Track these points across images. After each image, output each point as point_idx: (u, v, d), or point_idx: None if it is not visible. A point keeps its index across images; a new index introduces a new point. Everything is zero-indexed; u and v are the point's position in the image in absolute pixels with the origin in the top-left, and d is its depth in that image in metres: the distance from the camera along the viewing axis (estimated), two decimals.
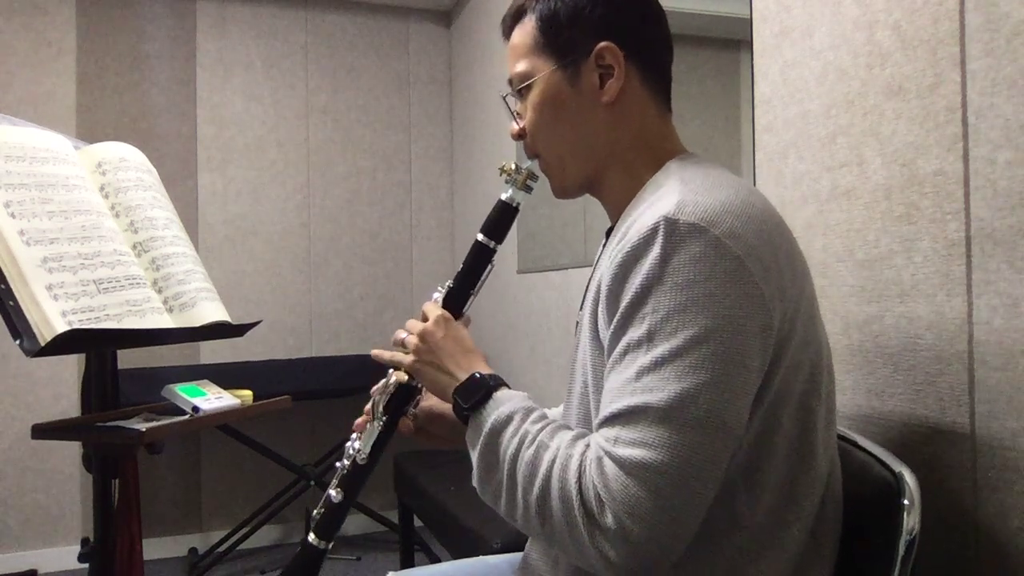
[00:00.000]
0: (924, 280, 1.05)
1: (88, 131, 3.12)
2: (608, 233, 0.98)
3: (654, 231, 0.76)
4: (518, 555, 1.05)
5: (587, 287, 0.94)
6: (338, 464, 1.07)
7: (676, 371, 0.72)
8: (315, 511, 1.06)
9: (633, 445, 0.72)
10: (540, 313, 2.72)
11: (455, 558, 1.82)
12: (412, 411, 1.09)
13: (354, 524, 3.44)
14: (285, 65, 3.48)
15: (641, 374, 0.74)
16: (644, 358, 0.74)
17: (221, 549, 3.13)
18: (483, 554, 1.48)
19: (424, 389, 1.05)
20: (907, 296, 1.08)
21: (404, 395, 1.04)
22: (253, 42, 3.44)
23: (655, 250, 0.75)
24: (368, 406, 1.06)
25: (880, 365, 1.13)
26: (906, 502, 0.86)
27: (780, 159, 1.36)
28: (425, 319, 0.99)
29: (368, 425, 1.05)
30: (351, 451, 1.05)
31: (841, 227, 1.21)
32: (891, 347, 1.11)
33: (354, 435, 1.07)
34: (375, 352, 1.05)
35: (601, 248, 1.01)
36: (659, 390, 0.72)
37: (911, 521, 0.85)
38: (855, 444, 1.01)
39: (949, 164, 1.01)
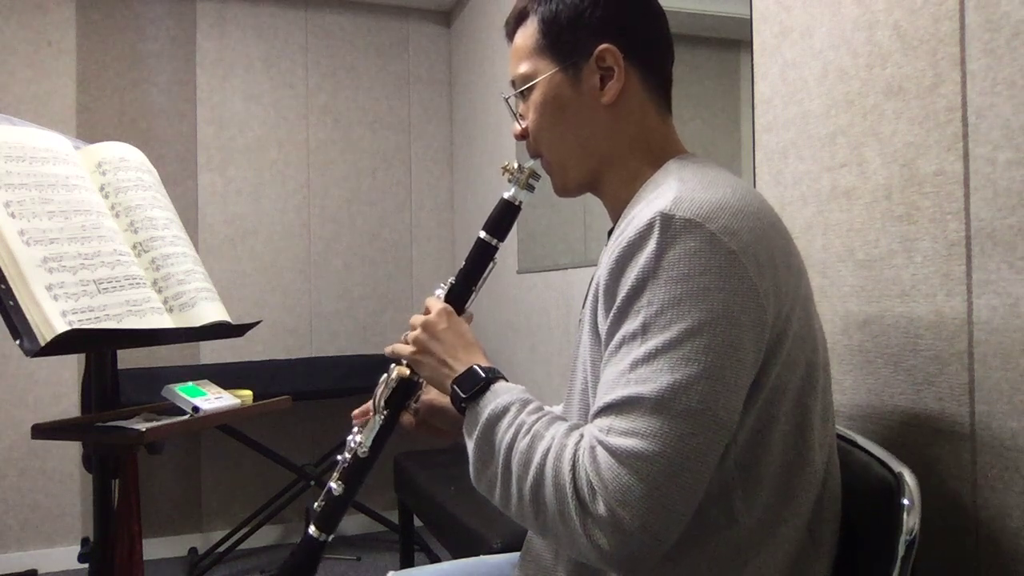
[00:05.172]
0: (924, 280, 1.05)
1: (88, 131, 3.12)
2: (610, 234, 0.99)
3: (650, 226, 0.77)
4: (518, 554, 1.05)
5: (588, 286, 0.94)
6: (339, 457, 1.08)
7: (669, 363, 0.73)
8: (316, 504, 1.08)
9: (626, 435, 0.73)
10: (540, 313, 2.72)
11: (455, 558, 1.82)
12: (413, 405, 1.10)
13: (354, 524, 3.44)
14: (285, 65, 3.48)
15: (635, 366, 0.74)
16: (638, 350, 0.75)
17: (221, 549, 3.13)
18: (483, 554, 1.49)
19: (425, 383, 1.06)
20: (907, 296, 1.08)
21: (405, 389, 1.06)
22: (253, 42, 3.43)
23: (651, 245, 0.76)
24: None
25: (880, 365, 1.14)
26: (906, 502, 0.86)
27: (780, 159, 1.36)
28: (428, 312, 1.00)
29: (370, 419, 1.06)
30: (352, 444, 1.06)
31: (841, 227, 1.21)
32: (891, 347, 1.11)
33: (355, 428, 1.08)
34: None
35: (604, 249, 1.01)
36: (652, 381, 0.73)
37: (911, 521, 0.85)
38: (855, 444, 1.01)
39: (949, 164, 1.01)
